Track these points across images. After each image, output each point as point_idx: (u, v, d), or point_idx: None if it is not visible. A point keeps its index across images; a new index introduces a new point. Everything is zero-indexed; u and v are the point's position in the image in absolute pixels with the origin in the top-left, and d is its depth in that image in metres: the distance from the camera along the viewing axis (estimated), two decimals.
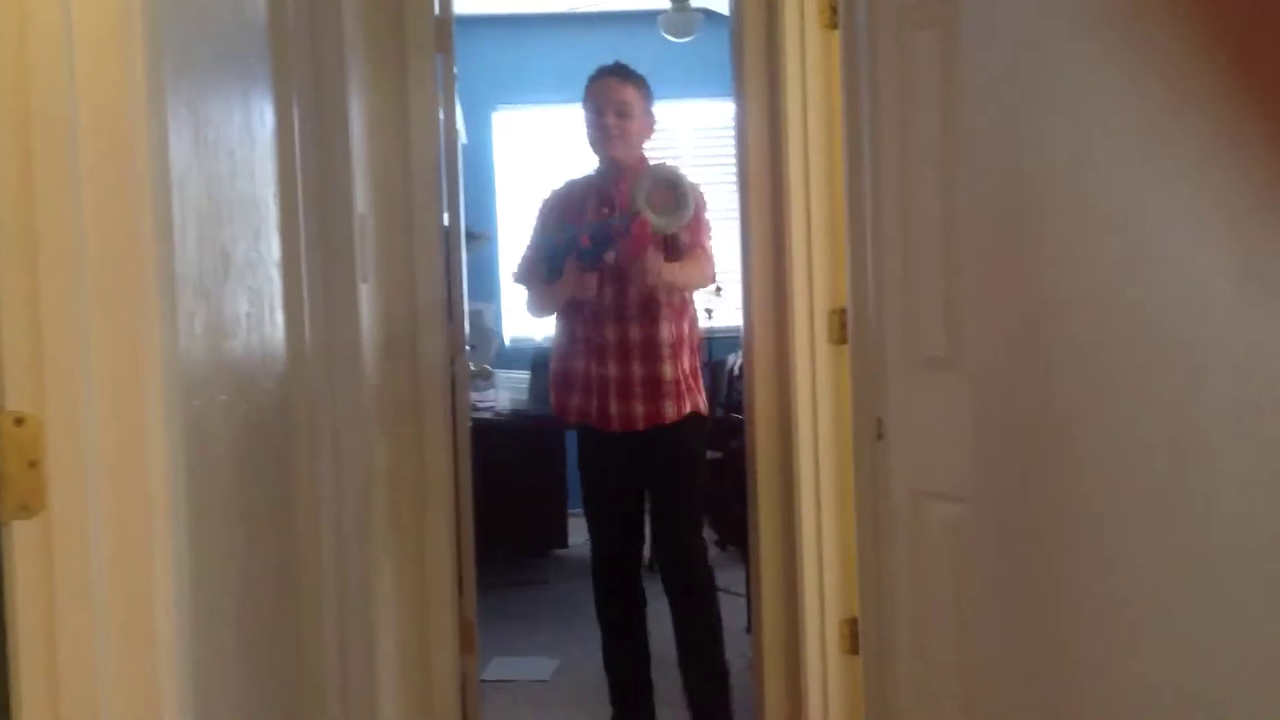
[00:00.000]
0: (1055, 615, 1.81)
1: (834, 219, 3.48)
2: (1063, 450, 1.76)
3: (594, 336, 3.64)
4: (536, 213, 3.83)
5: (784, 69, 3.56)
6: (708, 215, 3.66)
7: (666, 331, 3.61)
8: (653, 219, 3.33)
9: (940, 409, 2.26)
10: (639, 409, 3.62)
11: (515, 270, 3.86)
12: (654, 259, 3.45)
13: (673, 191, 3.37)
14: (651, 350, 3.60)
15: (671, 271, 3.52)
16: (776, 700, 3.73)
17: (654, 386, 3.61)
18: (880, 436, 2.46)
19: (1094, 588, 1.69)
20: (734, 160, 4.01)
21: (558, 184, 3.85)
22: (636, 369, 3.59)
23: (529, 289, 3.81)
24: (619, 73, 3.67)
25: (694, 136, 7.54)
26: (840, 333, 3.47)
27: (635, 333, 3.60)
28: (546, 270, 3.69)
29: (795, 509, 3.61)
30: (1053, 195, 1.78)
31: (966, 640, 2.19)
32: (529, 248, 3.81)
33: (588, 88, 3.71)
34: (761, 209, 3.75)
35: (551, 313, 3.79)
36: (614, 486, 3.71)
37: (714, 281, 3.72)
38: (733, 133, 4.04)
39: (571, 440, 5.53)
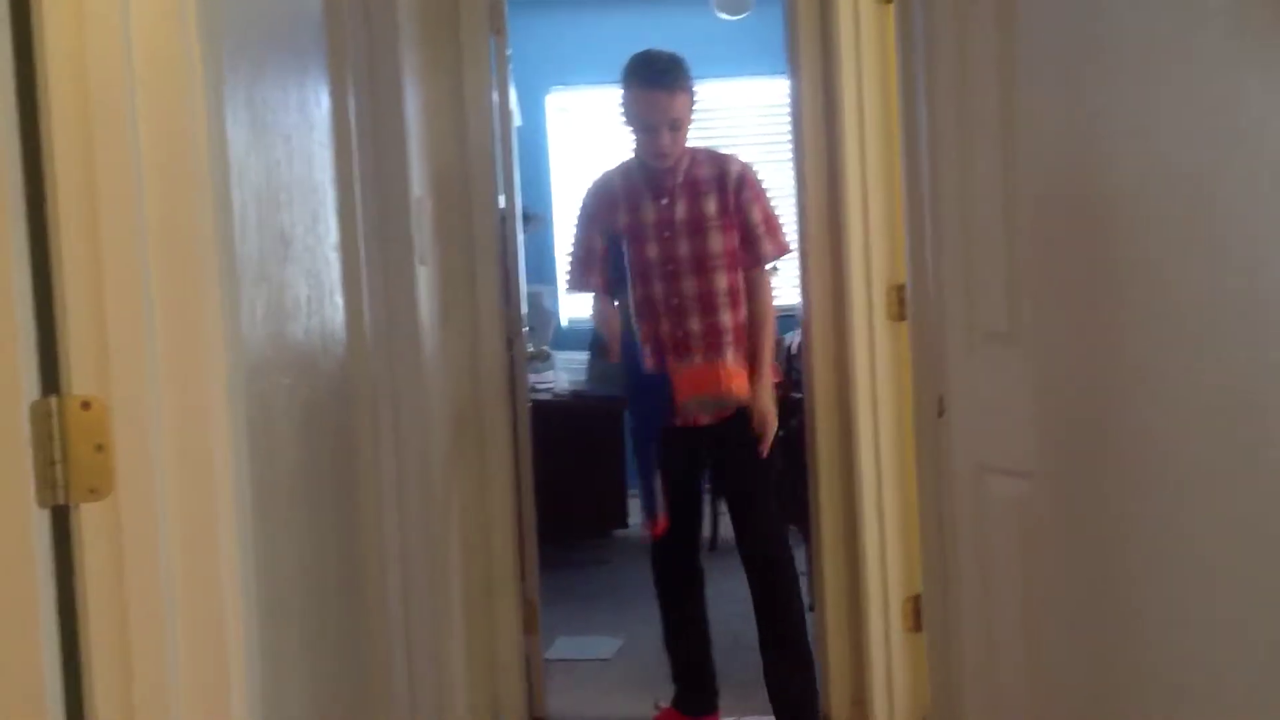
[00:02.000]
0: (1123, 590, 1.79)
1: (891, 195, 3.45)
2: (1127, 422, 1.74)
3: (654, 332, 3.63)
4: (580, 208, 3.74)
5: (838, 45, 3.53)
6: (760, 188, 3.65)
7: (726, 319, 3.59)
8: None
9: (1003, 384, 2.24)
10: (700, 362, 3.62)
11: (568, 279, 3.77)
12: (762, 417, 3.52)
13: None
14: (714, 340, 3.57)
15: (764, 381, 3.56)
16: (840, 677, 3.73)
17: (711, 340, 3.62)
18: (941, 413, 2.44)
19: (1163, 560, 1.67)
20: (789, 138, 3.98)
21: (596, 175, 3.76)
22: (697, 358, 3.58)
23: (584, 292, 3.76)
24: (668, 85, 3.51)
25: (749, 115, 7.50)
26: (899, 309, 3.45)
27: (696, 325, 3.58)
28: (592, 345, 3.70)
29: (856, 486, 3.60)
30: (1115, 162, 1.75)
31: (1032, 616, 2.17)
32: (576, 247, 3.72)
33: (634, 93, 3.54)
34: (818, 186, 3.73)
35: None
36: (676, 468, 3.69)
37: (786, 250, 3.68)
38: (788, 110, 4.02)
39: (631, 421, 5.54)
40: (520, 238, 4.10)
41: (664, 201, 3.55)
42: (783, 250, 3.62)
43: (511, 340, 3.81)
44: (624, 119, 3.57)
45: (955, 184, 2.36)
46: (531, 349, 4.32)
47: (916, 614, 3.40)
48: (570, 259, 3.73)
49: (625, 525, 6.18)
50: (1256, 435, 1.42)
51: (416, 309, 2.64)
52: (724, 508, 6.17)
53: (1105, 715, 1.88)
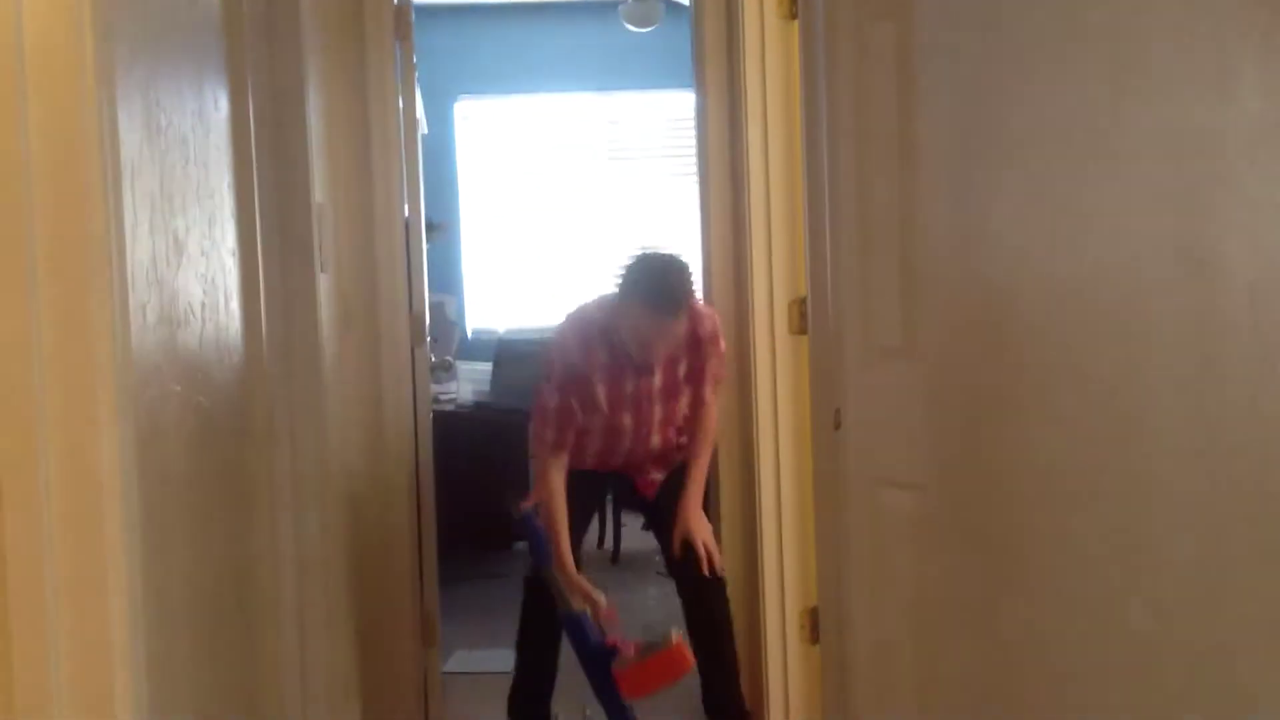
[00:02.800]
0: (1010, 599, 1.83)
1: (794, 209, 3.49)
2: (1012, 433, 1.78)
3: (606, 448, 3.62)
4: (562, 361, 3.49)
5: (744, 60, 3.57)
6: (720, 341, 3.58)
7: (677, 414, 3.61)
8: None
9: (897, 398, 2.28)
10: (658, 476, 3.67)
11: (550, 438, 3.49)
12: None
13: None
14: (666, 438, 3.61)
15: (698, 505, 3.55)
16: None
17: (668, 457, 3.65)
18: (838, 426, 2.47)
19: (1046, 569, 1.71)
20: (694, 151, 4.01)
21: (576, 325, 3.51)
22: (656, 448, 3.61)
23: (539, 451, 3.56)
24: (678, 313, 3.34)
25: (656, 127, 7.54)
26: (800, 323, 3.48)
27: (656, 441, 3.60)
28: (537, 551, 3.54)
29: (756, 499, 3.63)
30: (1002, 181, 1.79)
31: (923, 627, 2.21)
32: (559, 406, 3.48)
33: (646, 316, 3.30)
34: (722, 200, 3.76)
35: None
36: (582, 506, 3.66)
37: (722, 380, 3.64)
38: (692, 124, 4.05)
39: None
40: (424, 247, 4.07)
41: (644, 377, 3.50)
42: (720, 379, 3.62)
43: (414, 350, 3.79)
44: (621, 301, 3.36)
45: (855, 200, 2.40)
46: (434, 359, 4.30)
47: (814, 626, 3.44)
48: (553, 414, 3.49)
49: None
50: (1126, 443, 1.46)
51: (316, 317, 2.62)
52: (629, 519, 6.22)
53: None
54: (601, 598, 3.41)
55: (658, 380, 3.51)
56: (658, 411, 3.54)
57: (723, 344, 3.57)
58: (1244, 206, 1.25)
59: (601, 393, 3.48)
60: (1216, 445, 1.30)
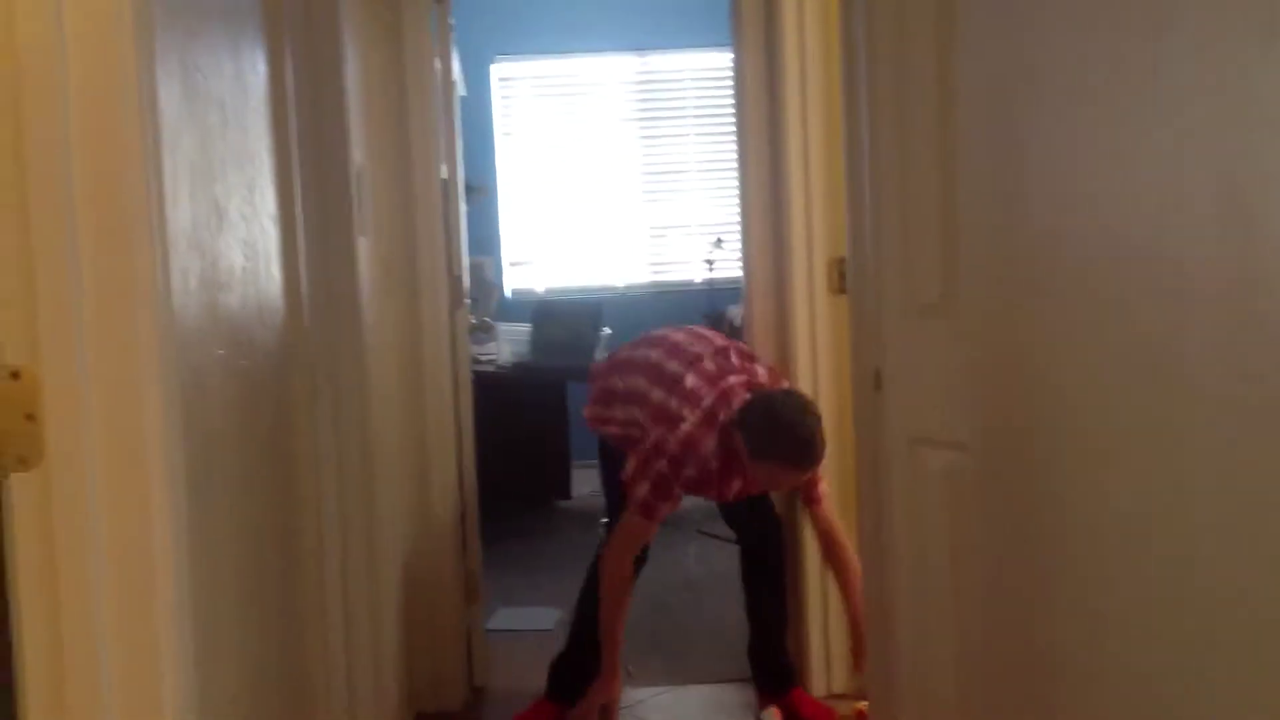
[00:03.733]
0: (1049, 559, 1.82)
1: (832, 169, 3.48)
2: (1054, 395, 1.77)
3: None
4: (680, 468, 3.29)
5: (783, 18, 3.54)
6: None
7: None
8: None
9: (938, 357, 2.26)
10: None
11: (651, 498, 3.31)
12: None
13: None
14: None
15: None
16: None
17: None
18: (878, 386, 2.46)
19: (1087, 531, 1.70)
20: (733, 110, 3.99)
21: (693, 452, 3.29)
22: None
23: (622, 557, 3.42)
24: (815, 462, 3.26)
25: (693, 87, 7.50)
26: (840, 282, 3.47)
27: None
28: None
29: None
30: (1043, 133, 1.77)
31: (961, 586, 2.20)
32: (668, 487, 3.31)
33: (788, 468, 3.23)
34: (760, 159, 3.74)
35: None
36: None
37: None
38: (731, 83, 4.02)
39: (577, 391, 5.54)
40: (463, 209, 4.08)
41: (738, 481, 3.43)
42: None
43: (453, 311, 3.80)
44: (755, 457, 3.22)
45: (894, 158, 2.38)
46: (474, 320, 4.31)
47: None
48: (661, 489, 3.32)
49: (568, 496, 6.20)
50: (1169, 399, 1.45)
51: (356, 280, 2.63)
52: None
53: (1030, 685, 1.92)
54: None
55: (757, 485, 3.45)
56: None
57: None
58: None
59: (710, 490, 3.44)
60: (1258, 401, 1.29)
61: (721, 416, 3.27)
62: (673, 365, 3.38)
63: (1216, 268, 1.35)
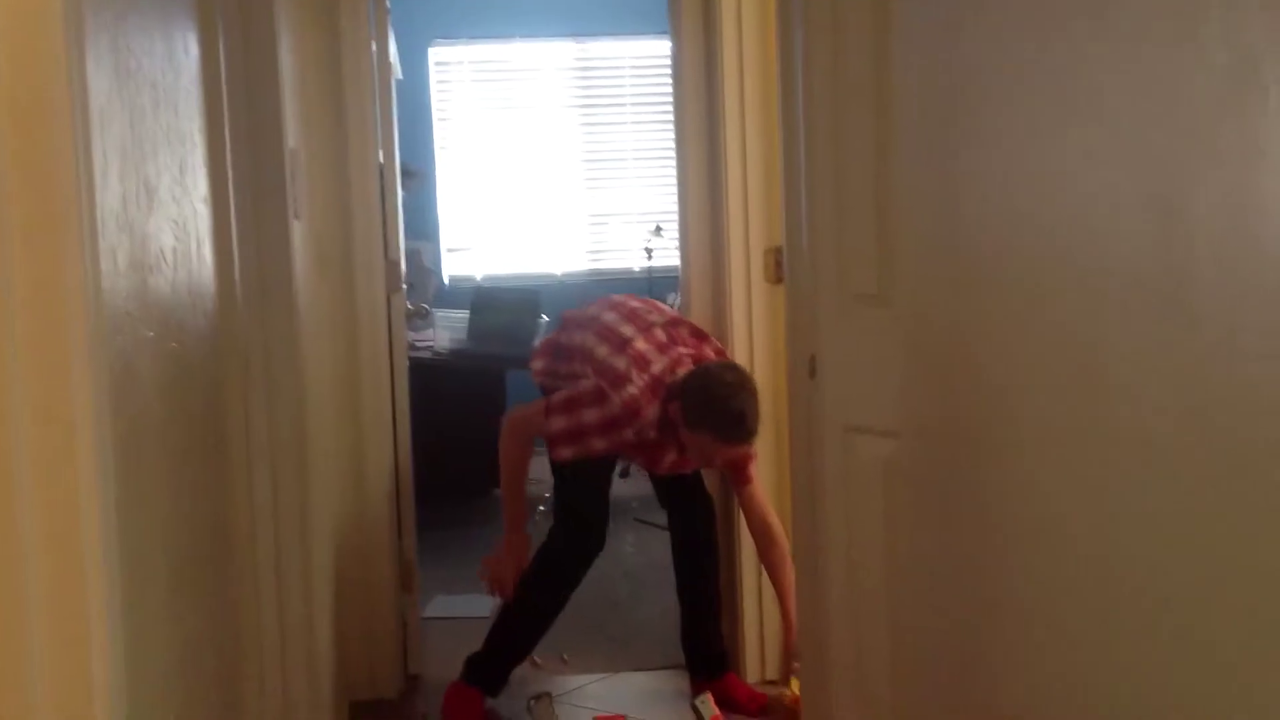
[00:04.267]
0: (980, 547, 1.85)
1: (770, 158, 3.49)
2: (986, 382, 1.79)
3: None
4: (610, 414, 3.33)
5: (720, 6, 3.55)
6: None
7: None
8: None
9: (872, 345, 2.29)
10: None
11: (563, 441, 3.40)
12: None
13: None
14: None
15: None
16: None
17: None
18: (813, 374, 2.48)
19: (1012, 520, 1.72)
20: (671, 98, 4.00)
21: (633, 401, 3.32)
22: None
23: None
24: (750, 437, 3.31)
25: (631, 74, 7.49)
26: (776, 271, 3.49)
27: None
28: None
29: None
30: (975, 130, 1.79)
31: (895, 574, 2.23)
32: (588, 431, 3.37)
33: (720, 442, 3.27)
34: (698, 148, 3.75)
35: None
36: (606, 486, 3.65)
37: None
38: (669, 71, 4.03)
39: (515, 379, 5.51)
40: (400, 194, 4.05)
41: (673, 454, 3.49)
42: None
43: (390, 296, 3.78)
44: (689, 428, 3.29)
45: (830, 149, 2.40)
46: (411, 306, 4.29)
47: None
48: (576, 430, 3.38)
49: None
50: (1094, 391, 1.48)
51: (290, 263, 2.60)
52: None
53: (962, 669, 1.95)
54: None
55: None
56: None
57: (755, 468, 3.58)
58: (1212, 157, 1.25)
59: (639, 454, 3.50)
60: (1184, 395, 1.31)
61: (666, 384, 3.30)
62: (626, 329, 3.40)
63: (1141, 261, 1.38)
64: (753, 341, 3.60)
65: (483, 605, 4.48)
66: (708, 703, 3.36)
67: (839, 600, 2.45)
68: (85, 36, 1.38)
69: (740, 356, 3.60)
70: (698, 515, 3.63)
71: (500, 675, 3.58)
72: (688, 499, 3.63)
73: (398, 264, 3.86)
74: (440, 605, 4.57)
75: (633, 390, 3.27)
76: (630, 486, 5.99)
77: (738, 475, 3.50)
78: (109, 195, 1.45)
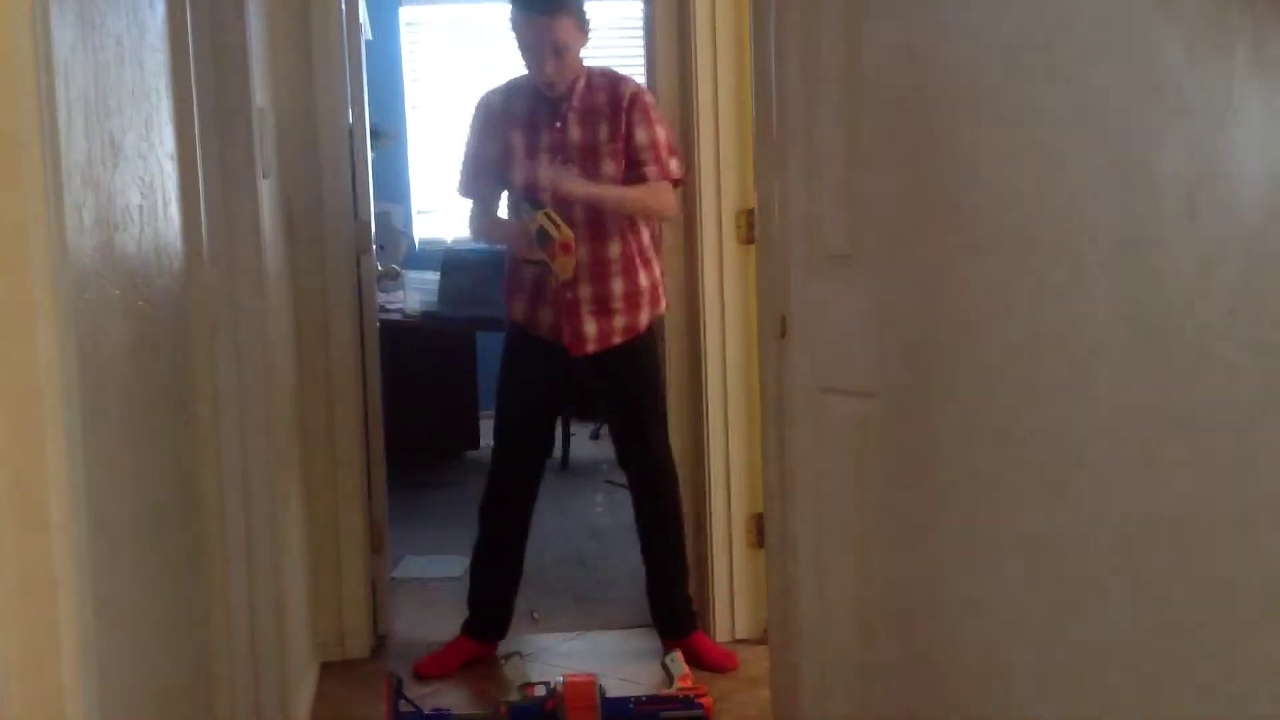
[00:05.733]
0: (949, 507, 1.86)
1: (743, 121, 3.48)
2: (957, 342, 1.80)
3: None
4: (472, 118, 3.60)
5: None
6: (652, 111, 3.50)
7: (614, 249, 3.47)
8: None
9: (842, 306, 2.29)
10: (589, 330, 3.49)
11: (458, 184, 3.65)
12: (579, 183, 3.40)
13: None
14: (601, 268, 3.47)
15: (611, 198, 3.42)
16: None
17: (603, 304, 3.49)
18: (784, 334, 2.49)
19: (984, 478, 1.74)
20: (644, 60, 3.98)
21: (489, 88, 3.61)
22: (585, 289, 3.47)
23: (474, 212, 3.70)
24: (546, 9, 3.35)
25: (604, 35, 7.44)
26: (749, 233, 3.49)
27: (583, 253, 3.43)
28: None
29: (703, 407, 3.66)
30: (947, 90, 1.79)
31: (866, 534, 2.24)
32: (470, 153, 3.60)
33: (516, 20, 3.42)
34: (670, 110, 3.74)
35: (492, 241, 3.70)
36: (538, 398, 3.65)
37: (671, 210, 3.53)
38: (642, 32, 4.00)
39: (485, 342, 5.50)
40: (369, 155, 4.03)
41: (557, 125, 3.46)
42: (666, 176, 3.45)
43: (360, 257, 3.76)
44: (515, 42, 3.46)
45: (802, 108, 2.40)
46: (380, 268, 4.27)
47: (759, 531, 3.49)
48: (462, 165, 3.63)
49: (476, 446, 6.18)
50: (1071, 355, 1.49)
51: (258, 222, 2.59)
52: (578, 429, 6.25)
53: (931, 630, 1.97)
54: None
55: (574, 134, 3.45)
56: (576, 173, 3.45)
57: (656, 123, 3.48)
58: (1181, 113, 1.26)
59: (516, 140, 3.51)
60: (1153, 353, 1.32)
61: None
62: None
63: (1112, 222, 1.39)
64: (724, 302, 3.60)
65: (453, 566, 4.49)
66: (677, 661, 3.38)
67: (808, 561, 2.46)
68: None
69: (712, 317, 3.60)
70: (658, 476, 3.62)
71: (480, 614, 3.65)
72: (647, 460, 3.61)
73: (367, 225, 3.84)
74: (409, 566, 4.58)
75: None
76: (599, 449, 6.01)
77: (627, 167, 3.47)
78: (74, 150, 1.43)
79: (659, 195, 3.46)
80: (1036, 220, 1.55)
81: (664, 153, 3.45)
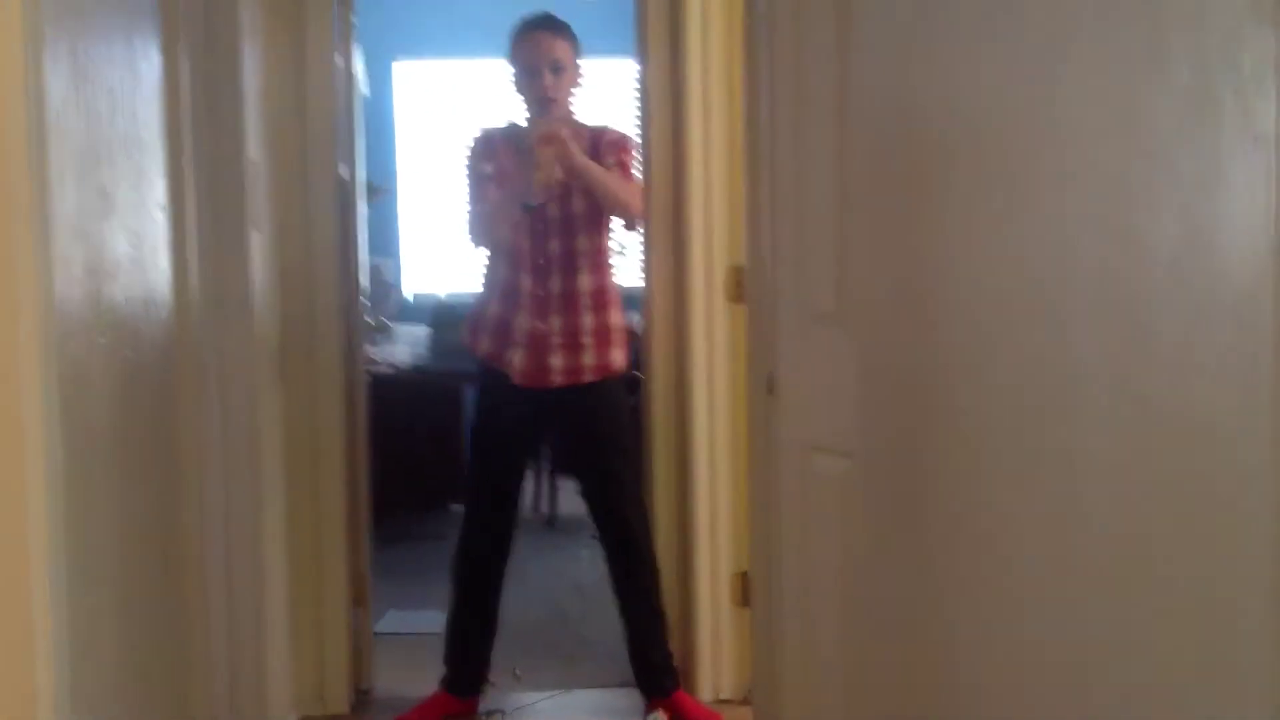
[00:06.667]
0: (932, 568, 1.85)
1: (733, 178, 3.51)
2: (942, 404, 1.80)
3: (512, 283, 3.53)
4: (467, 171, 3.63)
5: (686, 29, 3.57)
6: (629, 152, 3.58)
7: (586, 283, 3.49)
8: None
9: (830, 364, 2.29)
10: (556, 363, 3.48)
11: (469, 233, 3.64)
12: (573, 148, 3.40)
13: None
14: (571, 301, 3.48)
15: (589, 166, 3.42)
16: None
17: (573, 338, 3.48)
18: (771, 391, 2.49)
19: (971, 540, 1.73)
20: (637, 119, 4.01)
21: (475, 133, 3.65)
22: (555, 321, 3.47)
23: (484, 236, 3.64)
24: (551, 26, 3.49)
25: (598, 94, 7.50)
26: (738, 291, 3.50)
27: (555, 285, 3.47)
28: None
29: (690, 464, 3.65)
30: (937, 152, 1.81)
31: (851, 593, 2.23)
32: (472, 203, 3.60)
33: (516, 42, 3.49)
34: (663, 168, 3.76)
35: (499, 232, 3.56)
36: (511, 440, 3.64)
37: (638, 214, 3.56)
38: (636, 91, 4.04)
39: (471, 396, 5.49)
40: (362, 208, 4.04)
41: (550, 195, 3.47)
42: (629, 197, 3.50)
43: (349, 311, 3.76)
44: (513, 83, 3.51)
45: (793, 167, 2.41)
46: (371, 321, 4.27)
47: (744, 589, 3.47)
48: (469, 213, 3.61)
49: (462, 500, 6.16)
50: (1055, 417, 1.49)
51: (248, 274, 2.59)
52: (564, 484, 6.23)
53: (916, 693, 1.95)
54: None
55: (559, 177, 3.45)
56: (554, 209, 3.46)
57: (630, 163, 3.56)
58: (1172, 183, 1.27)
59: (508, 167, 3.51)
60: (1143, 419, 1.32)
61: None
62: None
63: (1103, 289, 1.39)
64: (712, 359, 3.61)
65: (436, 621, 4.45)
66: (660, 719, 3.35)
67: (793, 619, 2.45)
68: (43, 40, 1.37)
69: (700, 374, 3.60)
70: (631, 529, 3.58)
71: (456, 669, 3.62)
72: (620, 513, 3.58)
73: (359, 278, 3.85)
74: (393, 620, 4.54)
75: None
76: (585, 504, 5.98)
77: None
78: (64, 202, 1.44)
79: (631, 188, 3.53)
80: (1022, 280, 1.56)
81: (633, 190, 3.53)
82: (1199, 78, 1.21)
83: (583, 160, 3.41)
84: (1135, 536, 1.34)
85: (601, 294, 3.50)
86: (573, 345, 3.48)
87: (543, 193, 3.37)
